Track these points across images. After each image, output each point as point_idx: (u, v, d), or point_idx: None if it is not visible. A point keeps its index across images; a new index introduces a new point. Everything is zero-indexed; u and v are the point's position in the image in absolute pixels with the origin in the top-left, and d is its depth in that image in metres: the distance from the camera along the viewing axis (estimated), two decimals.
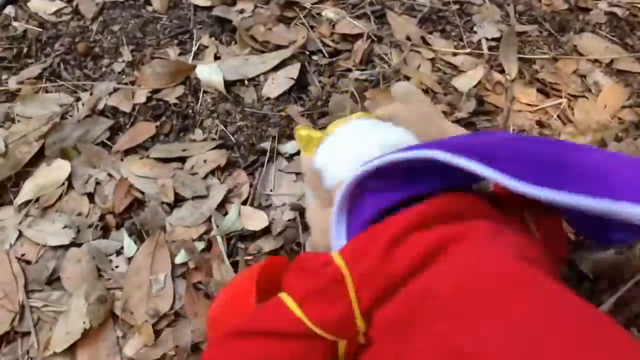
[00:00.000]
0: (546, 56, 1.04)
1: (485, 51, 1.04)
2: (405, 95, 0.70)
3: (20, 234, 0.77)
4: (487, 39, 1.06)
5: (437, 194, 0.50)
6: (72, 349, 0.66)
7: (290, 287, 0.50)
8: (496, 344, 0.37)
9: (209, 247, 0.76)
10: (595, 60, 1.03)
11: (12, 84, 0.96)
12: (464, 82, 0.98)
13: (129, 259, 0.74)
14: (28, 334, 0.68)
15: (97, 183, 0.83)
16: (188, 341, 0.66)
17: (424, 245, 0.45)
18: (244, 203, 0.80)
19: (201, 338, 0.67)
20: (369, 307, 0.46)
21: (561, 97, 0.96)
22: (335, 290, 0.47)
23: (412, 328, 0.43)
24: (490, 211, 0.52)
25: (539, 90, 0.97)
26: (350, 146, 0.62)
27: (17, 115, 0.91)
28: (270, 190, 0.82)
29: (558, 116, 0.93)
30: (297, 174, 0.84)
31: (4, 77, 0.97)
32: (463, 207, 0.50)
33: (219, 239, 0.75)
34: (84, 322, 0.67)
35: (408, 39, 1.05)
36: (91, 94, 0.94)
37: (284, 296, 0.50)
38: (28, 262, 0.74)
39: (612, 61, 1.03)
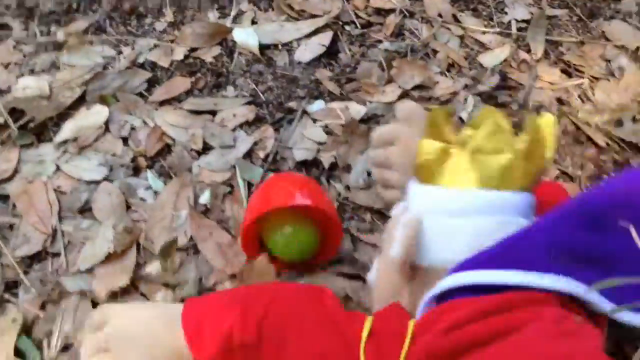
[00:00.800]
0: (573, 39, 1.06)
1: (514, 31, 1.07)
2: (408, 115, 0.69)
3: (58, 168, 0.82)
4: (517, 20, 1.09)
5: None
6: (93, 267, 0.71)
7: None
8: None
9: (230, 192, 0.80)
10: (622, 46, 1.05)
11: (60, 35, 1.02)
12: (490, 59, 1.01)
13: (156, 196, 0.79)
14: (58, 254, 0.73)
15: (132, 128, 0.88)
16: (196, 274, 0.72)
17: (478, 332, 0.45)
18: (267, 156, 0.84)
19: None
20: None
21: (583, 77, 0.98)
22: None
23: None
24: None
25: (563, 71, 1.00)
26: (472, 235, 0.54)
27: (62, 63, 0.97)
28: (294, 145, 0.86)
29: (579, 96, 0.95)
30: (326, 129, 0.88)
31: (53, 29, 1.03)
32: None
33: (240, 183, 0.80)
34: (109, 248, 0.72)
35: (440, 15, 1.08)
36: (132, 48, 0.99)
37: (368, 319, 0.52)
38: (63, 193, 0.80)
39: (638, 48, 1.04)
